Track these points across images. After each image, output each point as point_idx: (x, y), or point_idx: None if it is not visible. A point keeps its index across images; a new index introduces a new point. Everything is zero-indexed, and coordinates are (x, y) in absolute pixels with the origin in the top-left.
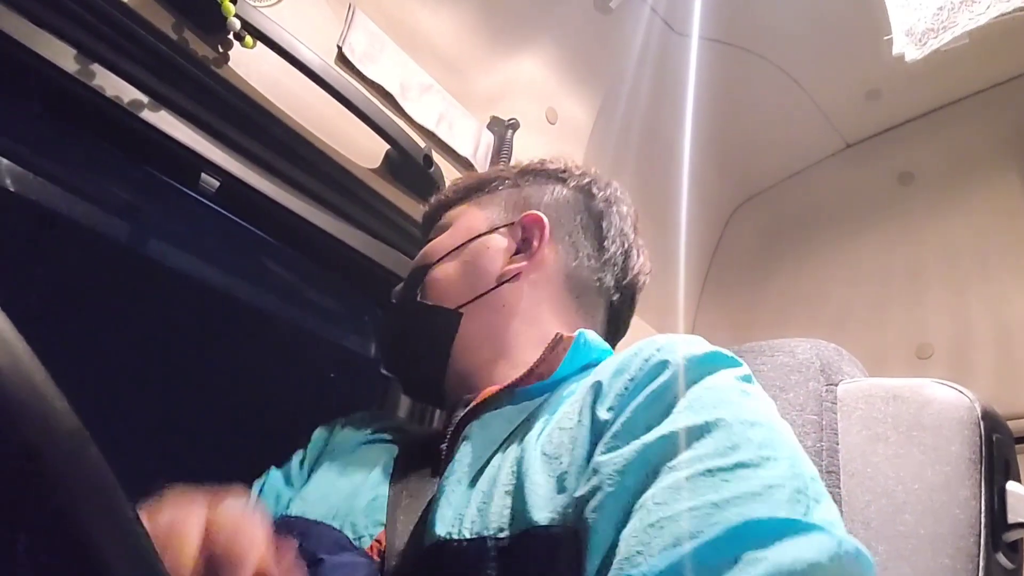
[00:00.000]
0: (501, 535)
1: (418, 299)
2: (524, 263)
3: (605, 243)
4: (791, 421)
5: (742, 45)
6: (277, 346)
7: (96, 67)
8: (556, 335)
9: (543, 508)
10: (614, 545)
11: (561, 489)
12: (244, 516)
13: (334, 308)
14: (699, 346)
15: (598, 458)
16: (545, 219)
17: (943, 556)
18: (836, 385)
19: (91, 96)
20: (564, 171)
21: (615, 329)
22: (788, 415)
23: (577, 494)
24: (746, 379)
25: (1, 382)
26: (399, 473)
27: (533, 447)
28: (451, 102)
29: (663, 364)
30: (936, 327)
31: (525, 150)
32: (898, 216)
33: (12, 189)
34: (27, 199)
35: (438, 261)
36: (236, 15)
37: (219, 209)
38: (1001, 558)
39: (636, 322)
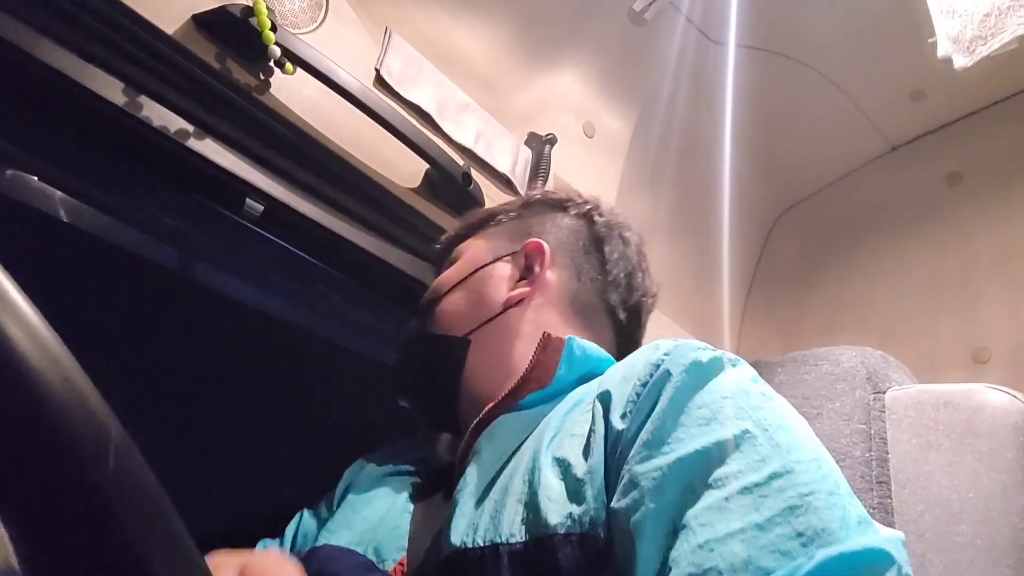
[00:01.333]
0: (514, 541)
1: (427, 330)
2: (527, 288)
3: (608, 266)
4: (838, 431)
5: (780, 51)
6: (322, 365)
7: (143, 99)
8: (544, 334)
9: (557, 514)
10: (659, 562)
11: (575, 496)
12: (279, 559)
13: (377, 326)
14: (705, 350)
15: (635, 467)
16: (545, 245)
17: (1003, 567)
18: (884, 393)
19: (139, 127)
20: (567, 200)
21: (624, 348)
22: (835, 425)
23: (615, 505)
24: (755, 379)
25: (59, 410)
26: (420, 498)
27: (544, 455)
28: (488, 120)
29: (675, 368)
30: (992, 330)
31: (563, 164)
32: (947, 218)
33: (65, 220)
34: (80, 229)
35: (446, 293)
36: (276, 43)
37: (264, 233)
38: None
39: (680, 334)
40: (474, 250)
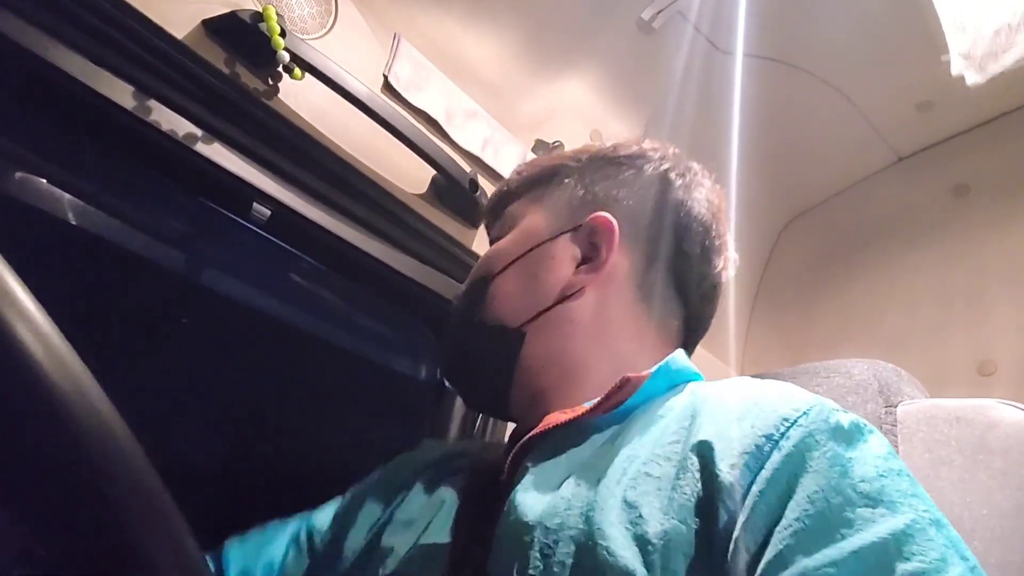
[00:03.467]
0: None
1: (478, 316)
2: (591, 275)
3: (684, 243)
4: None
5: (788, 61)
6: (328, 370)
7: (152, 103)
8: (623, 379)
9: (614, 569)
10: None
11: (645, 561)
12: None
13: (383, 332)
14: (838, 411)
15: (804, 561)
16: (614, 221)
17: None
18: (895, 407)
19: (148, 131)
20: (638, 157)
21: (694, 331)
22: None
23: None
24: (893, 454)
25: (69, 413)
26: (464, 514)
27: (614, 494)
28: (496, 127)
29: (810, 430)
30: (999, 343)
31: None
32: (955, 230)
33: (74, 223)
34: (88, 232)
35: (499, 272)
36: (285, 48)
37: (271, 237)
38: None
39: None
40: (532, 220)
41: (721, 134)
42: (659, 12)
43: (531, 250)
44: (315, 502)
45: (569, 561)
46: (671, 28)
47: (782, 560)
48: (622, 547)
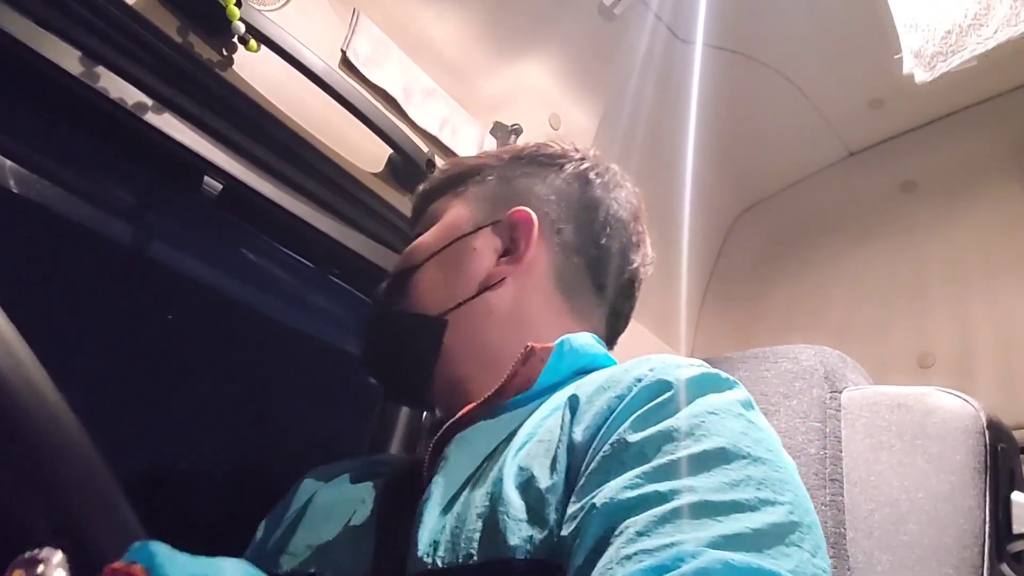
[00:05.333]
0: (472, 563)
1: (399, 306)
2: (510, 267)
3: (601, 239)
4: (794, 428)
5: (746, 52)
6: (276, 348)
7: (100, 69)
8: (526, 347)
9: (516, 535)
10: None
11: (537, 516)
12: None
13: (334, 311)
14: (696, 367)
15: (585, 499)
16: (534, 216)
17: (947, 567)
18: (840, 392)
19: (95, 98)
20: (559, 156)
21: (614, 325)
22: (792, 422)
23: (563, 533)
24: (747, 405)
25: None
26: (385, 504)
27: (511, 463)
28: (454, 107)
29: (656, 385)
30: (939, 336)
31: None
32: (901, 225)
33: (15, 190)
34: (30, 200)
35: (421, 263)
36: (241, 19)
37: (222, 211)
38: (1006, 569)
39: (637, 328)
40: (454, 215)
41: (678, 123)
42: None
43: (453, 242)
44: (250, 485)
45: (476, 536)
46: (632, 15)
47: (577, 500)
48: (519, 511)
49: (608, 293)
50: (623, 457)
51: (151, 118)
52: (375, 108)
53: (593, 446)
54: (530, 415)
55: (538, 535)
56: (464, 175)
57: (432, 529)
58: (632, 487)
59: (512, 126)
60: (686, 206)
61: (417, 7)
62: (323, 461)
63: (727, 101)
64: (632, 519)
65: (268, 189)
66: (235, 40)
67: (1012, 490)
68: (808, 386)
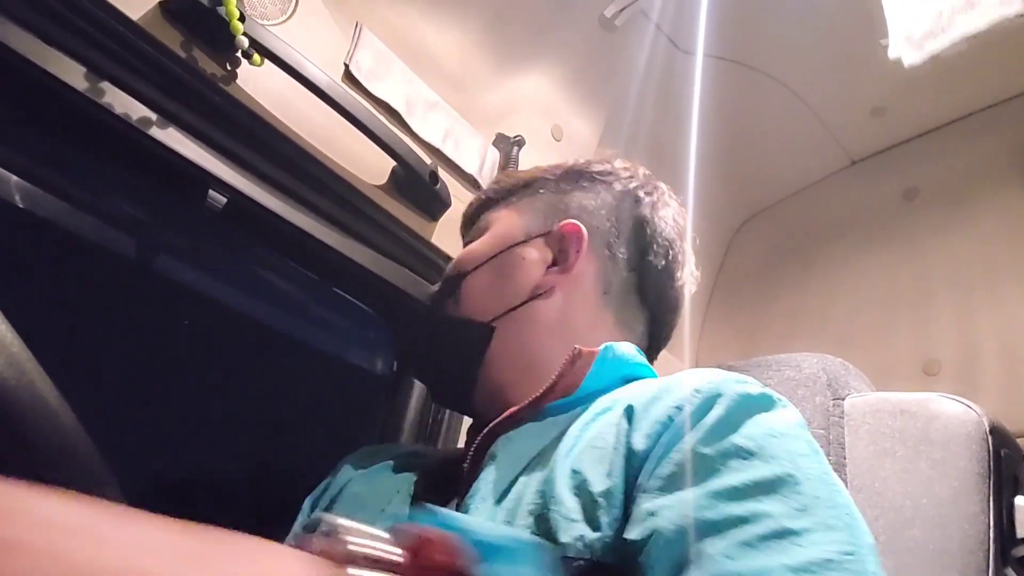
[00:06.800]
0: None
1: (450, 310)
2: (559, 276)
3: (648, 255)
4: None
5: (747, 62)
6: (282, 361)
7: (105, 85)
8: (574, 350)
9: (568, 534)
10: None
11: (590, 518)
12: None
13: (338, 323)
14: (751, 384)
15: (658, 500)
16: (584, 229)
17: (952, 571)
18: (843, 399)
19: (100, 114)
20: (609, 174)
21: (657, 341)
22: None
23: (628, 536)
24: (802, 425)
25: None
26: (419, 498)
27: (562, 465)
28: (457, 119)
29: (715, 397)
30: (943, 343)
31: (531, 167)
32: (904, 232)
33: (21, 205)
34: (35, 215)
35: (472, 270)
36: (244, 33)
37: (226, 226)
38: (1010, 573)
39: None
40: (506, 224)
41: (680, 133)
42: (622, 10)
43: (504, 251)
44: (255, 493)
45: (528, 531)
46: (633, 26)
47: (650, 506)
48: (572, 511)
49: (653, 308)
50: (693, 468)
51: (156, 133)
52: (378, 121)
53: (654, 452)
54: (575, 419)
55: (590, 535)
56: (516, 187)
57: None
58: (709, 506)
59: (515, 138)
60: (689, 215)
61: (419, 20)
62: (327, 468)
63: (728, 111)
64: (714, 541)
65: (272, 202)
66: (239, 55)
67: (1016, 495)
68: (811, 393)
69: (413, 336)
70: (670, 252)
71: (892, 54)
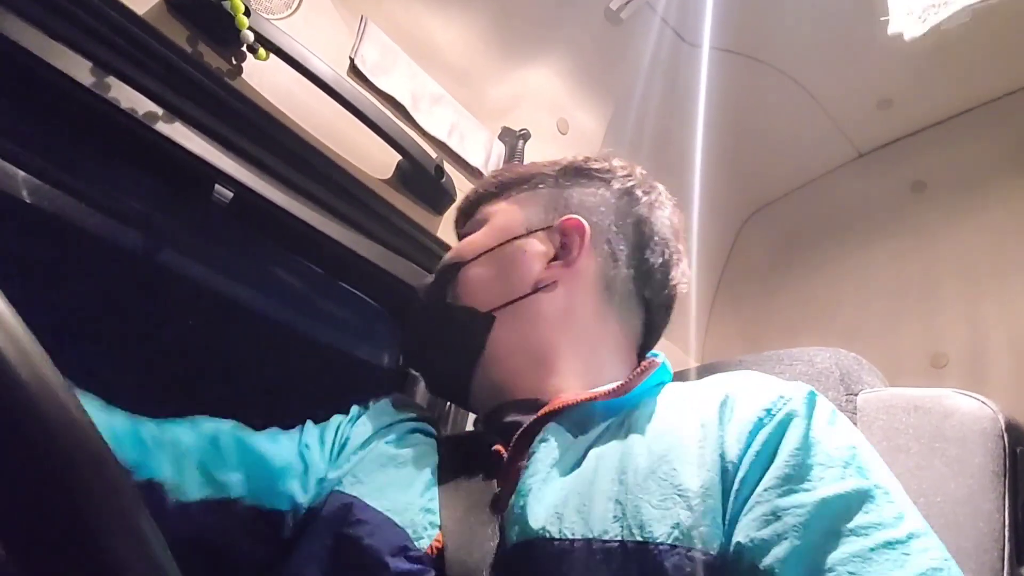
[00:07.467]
0: (608, 538)
1: (448, 298)
2: (562, 271)
3: (646, 253)
4: None
5: (753, 55)
6: (288, 355)
7: (111, 80)
8: (648, 360)
9: (661, 522)
10: None
11: (683, 507)
12: None
13: (345, 317)
14: (812, 391)
15: (777, 501)
16: (586, 224)
17: (966, 571)
18: (856, 395)
19: (106, 108)
20: (608, 171)
21: (650, 338)
22: None
23: (752, 534)
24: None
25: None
26: (446, 476)
27: (645, 455)
28: (462, 113)
29: (799, 405)
30: (951, 336)
31: (537, 160)
32: (911, 225)
33: (27, 200)
34: (41, 210)
35: (471, 260)
36: (250, 27)
37: (233, 219)
38: None
39: None
40: (506, 216)
41: (686, 126)
42: (627, 2)
43: (504, 243)
44: None
45: (610, 517)
46: (639, 19)
47: (761, 500)
48: (664, 501)
49: (650, 304)
50: (800, 473)
51: (162, 127)
52: (384, 115)
53: (753, 450)
54: (630, 418)
55: (686, 524)
56: (516, 181)
57: (551, 501)
58: (822, 518)
59: (520, 131)
60: (695, 209)
61: (424, 14)
62: None
63: (734, 104)
64: (837, 553)
65: (278, 196)
66: (244, 49)
67: None
68: (823, 389)
69: (408, 324)
70: (666, 251)
71: (892, 29)
